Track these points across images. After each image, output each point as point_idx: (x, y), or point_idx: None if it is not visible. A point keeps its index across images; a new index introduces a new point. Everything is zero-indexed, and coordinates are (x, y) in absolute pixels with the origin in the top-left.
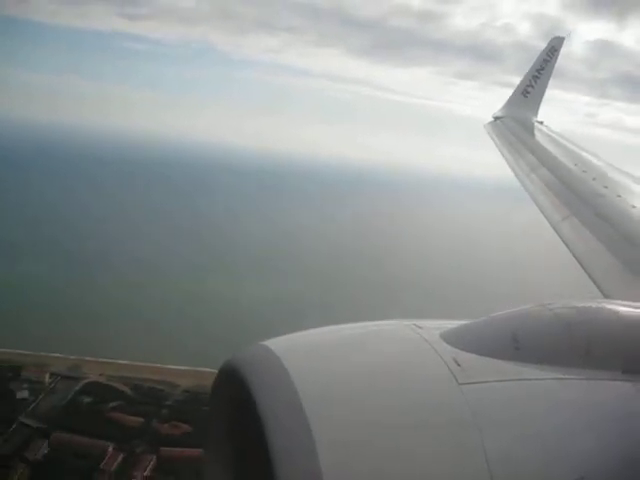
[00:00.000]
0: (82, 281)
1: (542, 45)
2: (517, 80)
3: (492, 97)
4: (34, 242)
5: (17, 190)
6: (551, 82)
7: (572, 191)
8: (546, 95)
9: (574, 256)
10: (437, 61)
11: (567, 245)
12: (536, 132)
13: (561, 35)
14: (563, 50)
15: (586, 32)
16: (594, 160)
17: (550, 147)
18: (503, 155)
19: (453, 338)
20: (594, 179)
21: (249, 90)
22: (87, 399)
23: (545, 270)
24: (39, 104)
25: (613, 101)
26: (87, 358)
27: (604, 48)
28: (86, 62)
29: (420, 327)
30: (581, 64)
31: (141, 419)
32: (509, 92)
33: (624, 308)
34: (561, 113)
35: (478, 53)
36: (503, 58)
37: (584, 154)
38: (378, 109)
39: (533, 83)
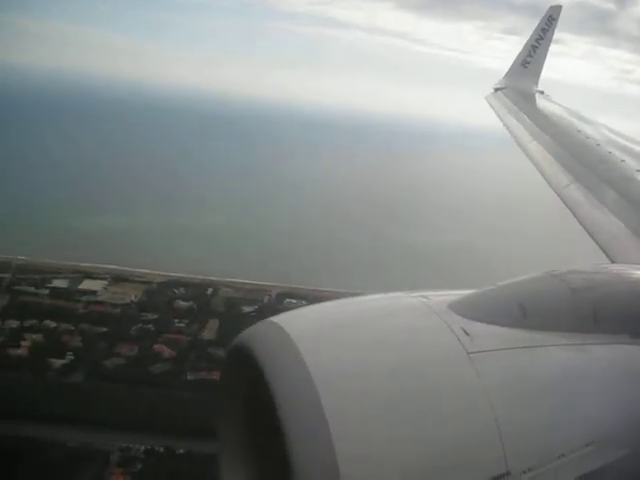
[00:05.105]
0: None
1: (602, 5)
2: (559, 36)
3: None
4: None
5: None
6: (595, 39)
7: (575, 157)
8: (586, 51)
9: (579, 222)
10: (488, 16)
11: (572, 211)
12: (537, 101)
13: (558, 4)
14: (619, 11)
15: None
16: (597, 127)
17: (552, 116)
18: (505, 125)
19: (461, 308)
20: (598, 145)
21: (284, 42)
22: None
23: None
24: (73, 54)
25: None
26: (299, 286)
27: None
28: (122, 13)
29: (427, 298)
30: (634, 23)
31: None
32: None
33: (631, 271)
34: (597, 69)
35: (534, 10)
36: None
37: (587, 121)
38: (408, 61)
39: (532, 53)
